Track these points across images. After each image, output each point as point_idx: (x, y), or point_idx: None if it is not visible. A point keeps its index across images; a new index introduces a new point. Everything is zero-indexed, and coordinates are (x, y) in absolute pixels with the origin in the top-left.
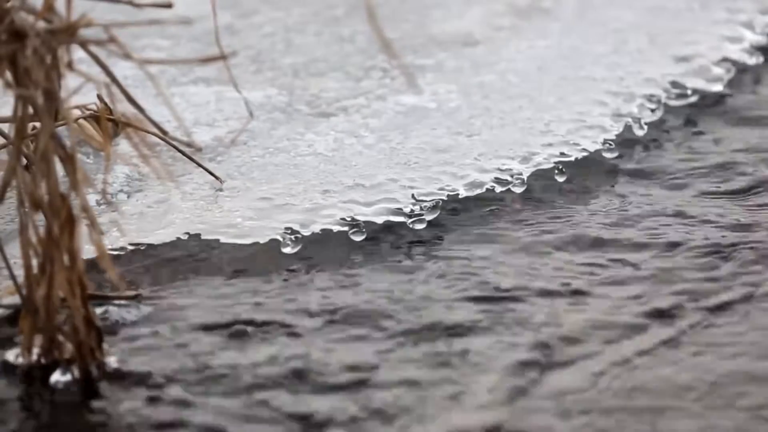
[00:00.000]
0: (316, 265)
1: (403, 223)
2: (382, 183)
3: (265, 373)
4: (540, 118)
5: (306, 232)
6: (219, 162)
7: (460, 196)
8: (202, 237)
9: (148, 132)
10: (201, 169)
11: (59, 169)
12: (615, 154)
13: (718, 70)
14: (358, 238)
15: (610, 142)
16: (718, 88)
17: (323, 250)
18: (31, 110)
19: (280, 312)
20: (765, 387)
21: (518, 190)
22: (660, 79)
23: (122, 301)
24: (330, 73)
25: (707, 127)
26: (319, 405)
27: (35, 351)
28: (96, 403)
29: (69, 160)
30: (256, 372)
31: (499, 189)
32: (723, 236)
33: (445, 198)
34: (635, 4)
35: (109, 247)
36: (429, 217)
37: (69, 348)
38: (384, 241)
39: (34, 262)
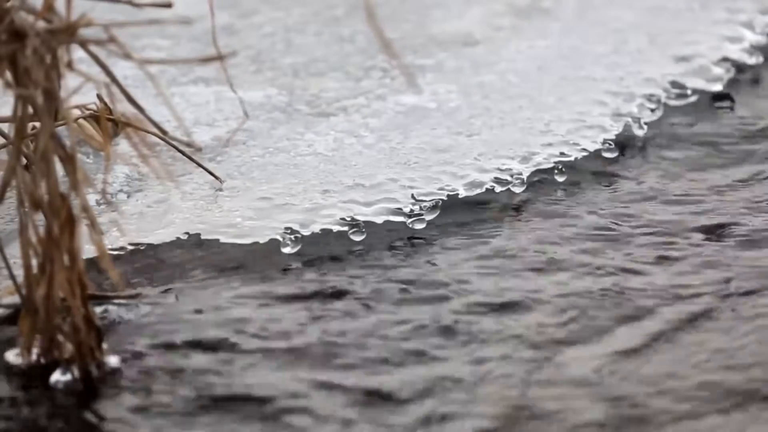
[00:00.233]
0: (316, 264)
1: (402, 223)
2: (381, 183)
3: (263, 373)
4: (540, 118)
5: (306, 232)
6: (219, 162)
7: (459, 196)
8: (202, 237)
9: (148, 132)
10: (201, 169)
11: (59, 169)
12: (615, 154)
13: (718, 70)
14: (357, 238)
15: (610, 142)
16: (717, 88)
17: (323, 250)
18: (31, 110)
19: (281, 312)
20: None
21: (518, 190)
22: (660, 79)
23: (122, 301)
24: (330, 73)
25: (707, 127)
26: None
27: (35, 351)
28: (96, 403)
29: (69, 160)
30: (256, 371)
31: (498, 189)
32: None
33: (444, 198)
34: (635, 4)
35: (109, 247)
36: (429, 217)
37: (69, 348)
38: (384, 240)
39: (34, 262)
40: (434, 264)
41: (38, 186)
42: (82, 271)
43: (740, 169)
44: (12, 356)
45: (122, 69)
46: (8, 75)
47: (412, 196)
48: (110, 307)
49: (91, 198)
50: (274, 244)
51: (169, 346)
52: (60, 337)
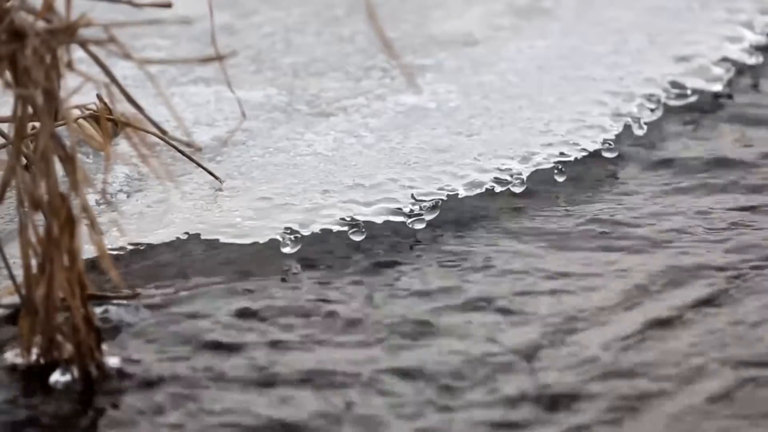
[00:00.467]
0: (316, 264)
1: (402, 223)
2: (381, 183)
3: (263, 374)
4: (540, 118)
5: (306, 232)
6: (219, 162)
7: (459, 196)
8: (202, 237)
9: (148, 132)
10: (201, 169)
11: (59, 169)
12: (615, 154)
13: (717, 70)
14: (357, 238)
15: (610, 142)
16: (717, 88)
17: (323, 250)
18: (30, 110)
19: (280, 312)
20: None
21: (518, 190)
22: (660, 79)
23: (122, 301)
24: (330, 73)
25: (707, 127)
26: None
27: (35, 351)
28: (95, 404)
29: (69, 160)
30: (256, 372)
31: (498, 189)
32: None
33: (444, 198)
34: (635, 4)
35: (109, 247)
36: (428, 217)
37: (68, 348)
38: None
39: (34, 262)
40: (434, 264)
41: (38, 186)
42: (81, 271)
43: (740, 169)
44: (12, 356)
45: (122, 69)
46: (8, 75)
47: (412, 196)
48: (110, 308)
49: (91, 198)
50: (273, 244)
51: (169, 347)
52: (59, 338)
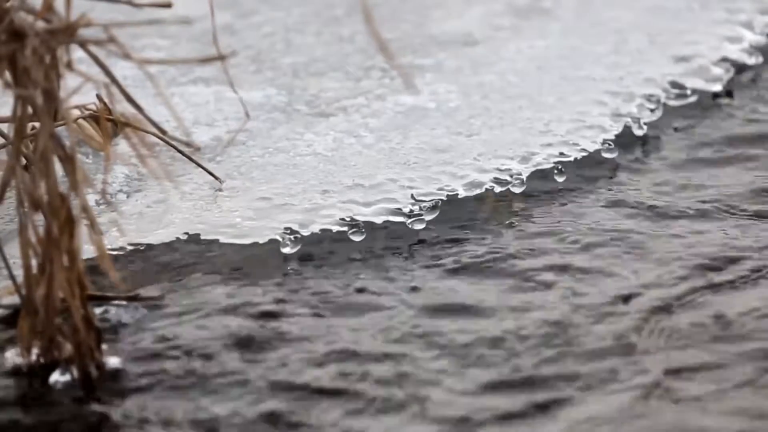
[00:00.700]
0: (315, 265)
1: (402, 223)
2: (381, 183)
3: (263, 374)
4: (540, 118)
5: (305, 232)
6: (218, 162)
7: (459, 196)
8: (202, 237)
9: (148, 132)
10: (200, 169)
11: (59, 169)
12: (614, 154)
13: (717, 70)
14: (357, 238)
15: (610, 142)
16: (717, 88)
17: (323, 250)
18: (30, 110)
19: (280, 312)
20: None
21: (517, 190)
22: (660, 79)
23: (121, 302)
24: (330, 73)
25: (707, 127)
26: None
27: (34, 351)
28: (95, 403)
29: (68, 160)
30: (255, 372)
31: (498, 189)
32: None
33: (444, 198)
34: (635, 4)
35: (109, 247)
36: (428, 217)
37: (68, 348)
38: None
39: (34, 263)
40: (433, 264)
41: (38, 186)
42: (81, 271)
43: (740, 168)
44: (12, 356)
45: (122, 69)
46: (8, 75)
47: (412, 197)
48: (110, 308)
49: (91, 198)
50: (273, 245)
51: (169, 347)
52: (59, 338)
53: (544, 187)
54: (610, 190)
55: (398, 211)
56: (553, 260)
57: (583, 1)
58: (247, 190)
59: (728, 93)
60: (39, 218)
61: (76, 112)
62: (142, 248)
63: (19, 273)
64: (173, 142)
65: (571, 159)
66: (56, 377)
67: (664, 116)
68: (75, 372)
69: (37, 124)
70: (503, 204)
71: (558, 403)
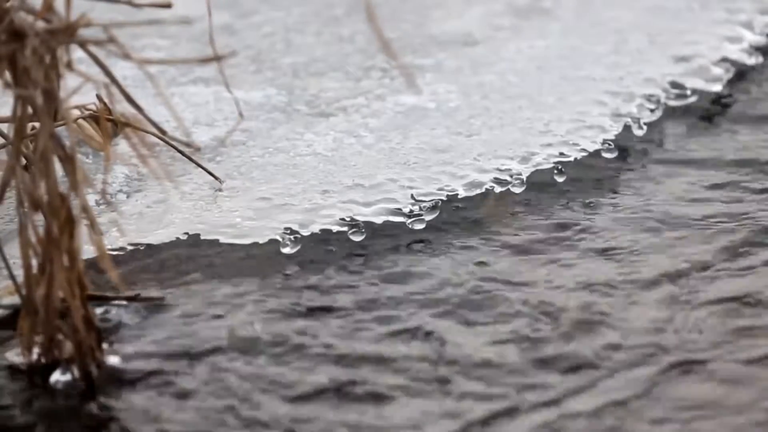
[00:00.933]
0: (315, 265)
1: (402, 223)
2: (381, 183)
3: (263, 374)
4: (540, 118)
5: (305, 232)
6: (218, 162)
7: (459, 196)
8: (202, 237)
9: (148, 132)
10: (200, 169)
11: (59, 169)
12: (614, 154)
13: (717, 70)
14: (357, 238)
15: (610, 142)
16: (717, 88)
17: (323, 251)
18: (30, 110)
19: (281, 312)
20: None
21: (517, 190)
22: (660, 79)
23: (121, 302)
24: (330, 73)
25: (706, 127)
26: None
27: (35, 350)
28: (95, 403)
29: (68, 160)
30: (255, 373)
31: (498, 189)
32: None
33: (444, 198)
34: (635, 4)
35: (109, 247)
36: (428, 218)
37: (69, 347)
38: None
39: (34, 263)
40: (433, 264)
41: (38, 186)
42: (81, 271)
43: (740, 168)
44: (12, 356)
45: (122, 69)
46: (8, 75)
47: (412, 197)
48: (110, 308)
49: (91, 198)
50: (273, 245)
51: (168, 347)
52: (60, 337)
53: (544, 187)
54: (610, 190)
55: (398, 211)
56: (553, 260)
57: (583, 1)
58: (247, 190)
59: (728, 95)
60: (39, 218)
61: (76, 112)
62: (142, 248)
63: (19, 273)
64: (173, 142)
65: (571, 159)
66: (57, 377)
67: (664, 116)
68: (76, 371)
69: (37, 124)
70: (503, 204)
71: None
